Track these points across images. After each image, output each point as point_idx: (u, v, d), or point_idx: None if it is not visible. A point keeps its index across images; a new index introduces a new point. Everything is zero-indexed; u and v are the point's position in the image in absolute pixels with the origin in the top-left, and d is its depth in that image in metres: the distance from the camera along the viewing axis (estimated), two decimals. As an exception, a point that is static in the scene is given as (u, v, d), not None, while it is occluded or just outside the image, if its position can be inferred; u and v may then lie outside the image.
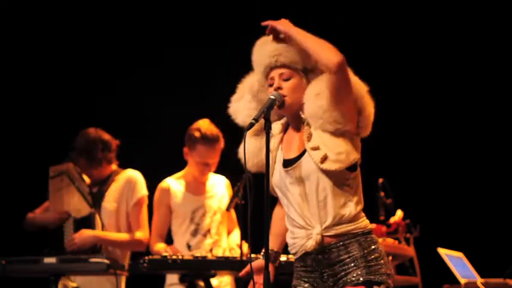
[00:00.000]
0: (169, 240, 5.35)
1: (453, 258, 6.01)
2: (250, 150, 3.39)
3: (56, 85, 6.91)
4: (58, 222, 5.07)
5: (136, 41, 7.04)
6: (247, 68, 3.47)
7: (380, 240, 5.56)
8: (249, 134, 3.37)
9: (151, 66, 7.04)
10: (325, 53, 3.16)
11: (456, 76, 7.09)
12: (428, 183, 7.01)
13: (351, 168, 3.25)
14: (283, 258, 3.49)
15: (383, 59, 6.87)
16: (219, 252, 5.14)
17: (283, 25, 3.28)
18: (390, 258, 5.82)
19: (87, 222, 5.06)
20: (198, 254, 4.94)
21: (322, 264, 3.27)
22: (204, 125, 5.26)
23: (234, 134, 3.53)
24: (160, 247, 5.12)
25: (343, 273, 3.23)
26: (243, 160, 3.36)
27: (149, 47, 7.04)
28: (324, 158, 3.20)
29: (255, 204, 5.07)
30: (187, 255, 4.94)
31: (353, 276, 3.21)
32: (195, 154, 5.25)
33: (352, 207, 3.25)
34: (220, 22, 7.01)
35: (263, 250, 3.44)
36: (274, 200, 3.34)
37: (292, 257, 3.41)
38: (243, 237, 4.95)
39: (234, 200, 4.91)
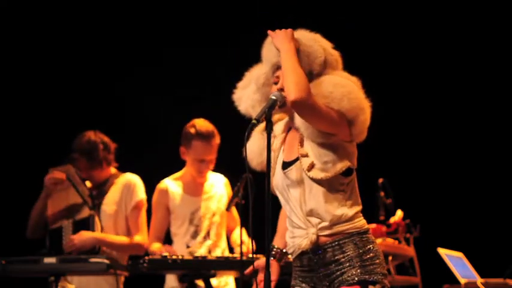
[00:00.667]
0: (168, 241, 5.35)
1: (453, 258, 6.01)
2: (255, 149, 3.39)
3: (56, 86, 6.91)
4: (52, 187, 5.03)
5: (136, 41, 7.04)
6: (247, 68, 3.47)
7: (380, 240, 5.62)
8: (254, 133, 3.38)
9: (151, 66, 7.04)
10: (290, 86, 3.14)
11: (456, 76, 7.09)
12: (428, 183, 7.02)
13: (345, 173, 3.25)
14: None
15: (383, 59, 6.87)
16: (218, 254, 5.13)
17: (278, 40, 3.25)
18: (390, 258, 5.83)
19: (86, 224, 5.06)
20: (198, 254, 4.93)
21: (318, 264, 3.27)
22: (199, 122, 5.25)
23: (235, 134, 3.54)
24: (155, 247, 5.11)
25: (338, 273, 3.24)
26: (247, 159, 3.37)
27: (149, 48, 7.04)
28: (311, 166, 3.22)
29: (256, 203, 5.08)
30: (187, 255, 4.94)
31: (348, 276, 3.21)
32: (191, 152, 5.24)
33: (348, 209, 3.25)
34: (220, 22, 7.00)
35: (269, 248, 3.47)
36: (275, 200, 3.34)
37: (290, 257, 3.41)
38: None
39: (234, 200, 4.90)
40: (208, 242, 5.26)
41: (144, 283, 5.80)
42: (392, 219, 5.96)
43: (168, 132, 6.66)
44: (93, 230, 5.06)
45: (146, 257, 4.83)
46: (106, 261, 4.77)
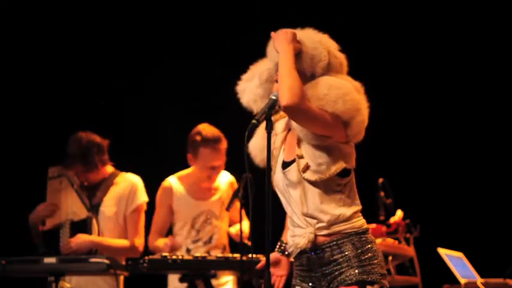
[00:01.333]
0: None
1: (453, 258, 6.01)
2: (259, 146, 3.39)
3: (57, 85, 6.91)
4: (46, 213, 5.03)
5: (135, 41, 7.04)
6: (247, 68, 3.47)
7: (380, 240, 5.63)
8: (258, 130, 3.37)
9: (151, 66, 7.04)
10: (283, 91, 3.13)
11: (456, 76, 7.09)
12: (428, 183, 7.02)
13: (342, 174, 3.25)
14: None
15: (383, 59, 6.87)
16: (218, 253, 5.13)
17: (278, 41, 3.24)
18: (390, 258, 5.83)
19: (83, 225, 5.05)
20: (198, 254, 4.93)
21: (317, 263, 3.27)
22: (205, 128, 5.18)
23: (236, 134, 3.54)
24: (160, 242, 5.09)
25: (336, 273, 3.23)
26: (250, 157, 3.38)
27: (148, 48, 7.04)
28: (306, 168, 3.22)
29: (257, 203, 5.08)
30: (187, 255, 4.93)
31: (346, 276, 3.21)
32: (199, 159, 5.19)
33: (346, 209, 3.25)
34: (220, 22, 7.00)
35: (278, 244, 3.47)
36: (276, 199, 3.34)
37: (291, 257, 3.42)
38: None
39: (234, 199, 4.90)
40: (210, 246, 5.25)
41: (144, 283, 5.80)
42: (392, 219, 5.97)
43: (169, 132, 6.67)
44: (90, 232, 5.05)
45: (146, 257, 4.83)
46: (106, 261, 4.76)
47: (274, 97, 3.23)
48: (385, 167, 6.53)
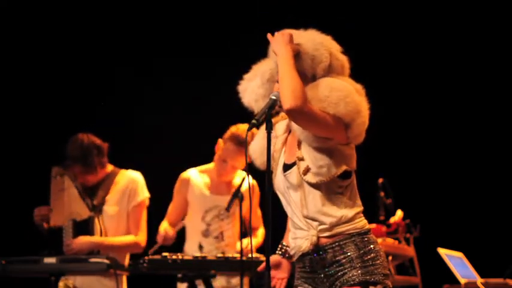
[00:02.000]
0: (182, 235, 5.34)
1: (453, 258, 6.01)
2: (259, 148, 3.38)
3: (60, 85, 6.91)
4: (39, 222, 5.04)
5: (136, 41, 7.04)
6: (247, 67, 3.47)
7: (380, 240, 5.63)
8: (259, 132, 3.37)
9: (153, 67, 7.04)
10: (286, 93, 3.12)
11: (456, 76, 7.09)
12: (428, 183, 7.02)
13: (343, 176, 3.24)
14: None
15: (383, 59, 6.87)
16: (231, 253, 5.11)
17: (275, 44, 3.23)
18: (390, 258, 5.83)
19: (86, 226, 5.05)
20: (197, 254, 4.93)
21: (319, 264, 3.27)
22: (244, 128, 5.20)
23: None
24: (161, 227, 5.14)
25: (339, 274, 3.23)
26: (251, 158, 3.38)
27: (150, 49, 7.04)
28: (306, 170, 3.21)
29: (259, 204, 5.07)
30: (187, 255, 4.94)
31: (349, 277, 3.20)
32: (222, 150, 5.23)
33: (348, 211, 3.24)
34: (220, 22, 7.00)
35: (279, 246, 3.47)
36: (276, 200, 3.34)
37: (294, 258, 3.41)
38: (243, 236, 4.94)
39: (234, 199, 4.89)
40: (221, 244, 5.25)
41: (144, 283, 5.80)
42: (392, 219, 5.97)
43: (169, 132, 6.68)
44: (92, 232, 5.05)
45: (146, 257, 4.84)
46: (106, 261, 4.77)
47: (274, 97, 3.23)
48: (385, 167, 6.53)
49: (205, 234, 5.27)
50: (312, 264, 3.28)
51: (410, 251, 6.04)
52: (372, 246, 3.25)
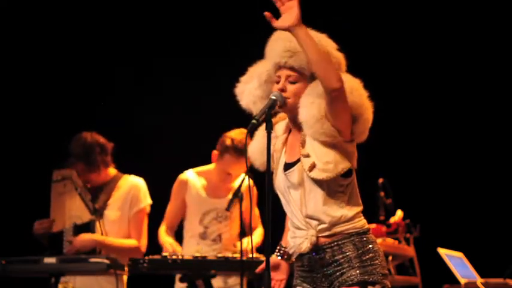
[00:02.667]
0: (180, 234, 5.33)
1: (453, 258, 6.01)
2: (258, 149, 3.38)
3: (60, 85, 6.91)
4: (41, 231, 5.04)
5: (135, 41, 7.04)
6: (247, 67, 3.47)
7: (380, 240, 5.63)
8: (257, 133, 3.38)
9: (153, 67, 7.04)
10: (329, 74, 3.10)
11: (455, 76, 7.09)
12: (428, 183, 7.01)
13: (344, 175, 3.24)
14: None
15: (380, 60, 6.86)
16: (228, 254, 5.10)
17: (292, 19, 3.17)
18: (390, 258, 5.84)
19: (87, 228, 5.05)
20: (197, 254, 4.93)
21: (318, 264, 3.27)
22: (239, 136, 5.17)
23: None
24: (167, 241, 5.10)
25: (338, 274, 3.23)
26: (250, 159, 3.38)
27: (149, 49, 7.04)
28: (312, 167, 3.21)
29: (258, 204, 5.08)
30: (187, 255, 4.93)
31: (348, 277, 3.21)
32: (221, 161, 5.20)
33: (348, 210, 3.25)
34: (220, 22, 7.00)
35: (277, 248, 3.47)
36: (276, 200, 3.34)
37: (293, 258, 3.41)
38: (243, 235, 4.94)
39: (234, 199, 4.89)
40: (218, 246, 5.25)
41: (144, 283, 5.80)
42: (392, 219, 5.97)
43: (169, 132, 6.67)
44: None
45: (146, 257, 4.83)
46: (106, 261, 4.77)
47: (274, 97, 3.24)
48: (385, 167, 6.52)
49: (203, 236, 5.27)
50: (310, 264, 3.28)
51: (410, 251, 6.04)
52: (370, 246, 3.25)
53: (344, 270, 3.22)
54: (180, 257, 4.82)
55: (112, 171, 5.20)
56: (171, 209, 5.33)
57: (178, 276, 5.19)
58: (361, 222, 3.28)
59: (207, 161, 5.37)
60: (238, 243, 5.22)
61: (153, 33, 7.02)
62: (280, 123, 3.44)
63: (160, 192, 5.35)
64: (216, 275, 4.90)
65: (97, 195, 5.14)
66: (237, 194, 4.80)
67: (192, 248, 5.17)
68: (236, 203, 4.84)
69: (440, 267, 5.95)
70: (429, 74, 7.09)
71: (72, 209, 5.06)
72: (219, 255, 4.97)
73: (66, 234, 5.04)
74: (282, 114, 3.43)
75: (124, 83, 6.94)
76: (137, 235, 5.14)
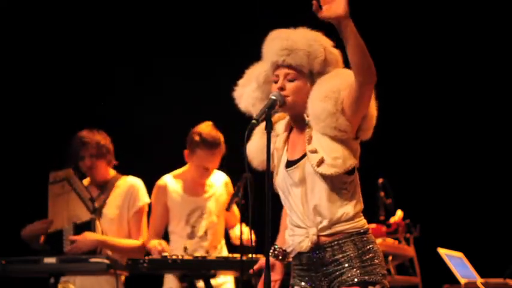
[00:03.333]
0: (166, 238, 5.34)
1: (453, 258, 6.01)
2: (257, 148, 3.38)
3: (60, 85, 6.91)
4: (43, 231, 5.05)
5: (135, 41, 7.04)
6: (247, 67, 3.47)
7: (380, 240, 5.63)
8: (256, 132, 3.38)
9: (153, 67, 7.04)
10: (369, 68, 3.17)
11: (455, 76, 7.09)
12: (428, 183, 7.01)
13: (348, 172, 3.25)
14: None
15: (381, 60, 6.84)
16: (215, 254, 5.12)
17: (340, 9, 3.14)
18: (390, 258, 5.84)
19: (87, 227, 5.05)
20: (198, 254, 4.93)
21: (317, 263, 3.27)
22: (206, 129, 5.20)
23: (235, 134, 3.53)
24: (153, 243, 5.09)
25: (337, 273, 3.23)
26: (248, 158, 3.37)
27: (149, 49, 7.05)
28: (320, 162, 3.20)
29: (257, 203, 5.07)
30: (187, 255, 4.93)
31: (347, 277, 3.21)
32: (194, 158, 5.22)
33: (349, 208, 3.25)
34: (220, 22, 7.00)
35: (272, 248, 3.45)
36: (276, 200, 3.34)
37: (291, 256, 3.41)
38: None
39: (234, 199, 4.90)
40: (205, 243, 5.25)
41: (144, 283, 5.80)
42: (392, 219, 5.97)
43: (169, 132, 6.67)
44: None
45: (146, 257, 4.84)
46: (106, 261, 4.77)
47: (273, 97, 3.24)
48: (385, 167, 6.53)
49: (191, 236, 5.27)
50: (309, 263, 3.28)
51: (410, 251, 6.04)
52: (370, 246, 3.25)
53: (344, 269, 3.22)
54: (180, 257, 4.82)
55: (112, 172, 5.22)
56: (155, 216, 5.29)
57: (167, 277, 5.21)
58: (362, 222, 3.28)
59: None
60: (232, 232, 5.25)
61: (153, 33, 7.03)
62: (280, 122, 3.45)
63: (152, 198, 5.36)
64: (216, 274, 4.90)
65: (97, 195, 5.15)
66: (237, 194, 4.82)
67: (179, 250, 5.14)
68: (235, 202, 4.86)
69: (440, 267, 5.95)
70: (429, 73, 7.09)
71: (71, 209, 5.06)
72: (219, 255, 4.97)
73: (66, 233, 5.04)
74: (281, 114, 3.43)
75: (124, 83, 6.95)
76: (138, 234, 5.15)
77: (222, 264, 4.87)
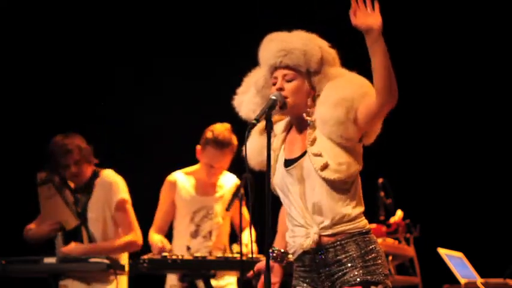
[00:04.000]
0: (170, 235, 5.33)
1: (453, 258, 6.01)
2: (254, 148, 3.38)
3: (60, 85, 6.91)
4: (53, 234, 5.05)
5: (135, 41, 7.04)
6: (247, 68, 3.47)
7: (380, 240, 5.63)
8: (253, 132, 3.38)
9: (153, 67, 7.04)
10: (393, 90, 3.33)
11: (455, 76, 7.09)
12: (428, 183, 7.02)
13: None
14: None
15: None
16: (218, 255, 5.12)
17: (377, 21, 3.23)
18: (390, 258, 5.84)
19: (74, 234, 5.04)
20: (198, 254, 4.93)
21: (320, 264, 3.26)
22: (220, 128, 5.19)
23: (237, 134, 3.53)
24: (155, 238, 5.07)
25: (340, 274, 3.23)
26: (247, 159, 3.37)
27: (149, 49, 7.05)
28: (325, 166, 3.20)
29: (256, 204, 5.06)
30: (187, 255, 4.93)
31: (350, 277, 3.20)
32: (204, 154, 5.23)
33: (351, 209, 3.24)
34: (220, 22, 7.00)
35: (271, 250, 3.45)
36: (275, 200, 3.34)
37: (291, 257, 3.40)
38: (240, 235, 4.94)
39: (234, 199, 4.89)
40: (209, 243, 5.25)
41: (144, 283, 5.80)
42: (392, 219, 5.97)
43: (169, 132, 6.67)
44: (82, 239, 5.04)
45: (146, 257, 4.83)
46: (106, 261, 4.77)
47: (274, 97, 3.24)
48: (385, 167, 6.52)
49: (194, 235, 5.27)
50: (312, 263, 3.28)
51: (410, 251, 6.04)
52: (373, 246, 3.25)
53: (347, 270, 3.22)
54: (180, 257, 4.81)
55: (88, 170, 5.13)
56: (160, 211, 5.30)
57: (169, 277, 5.21)
58: (363, 222, 3.28)
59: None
60: (234, 246, 5.24)
61: (153, 33, 7.03)
62: (280, 123, 3.44)
63: (160, 192, 5.35)
64: (216, 274, 4.90)
65: (78, 198, 5.10)
66: (237, 194, 4.81)
67: (182, 248, 5.14)
68: (235, 203, 4.85)
69: (440, 267, 5.95)
70: (429, 74, 7.09)
71: (58, 214, 5.02)
72: (219, 255, 4.97)
73: (57, 243, 5.06)
74: (279, 116, 3.43)
75: (124, 83, 6.94)
76: (128, 230, 5.10)
77: (222, 264, 4.87)
